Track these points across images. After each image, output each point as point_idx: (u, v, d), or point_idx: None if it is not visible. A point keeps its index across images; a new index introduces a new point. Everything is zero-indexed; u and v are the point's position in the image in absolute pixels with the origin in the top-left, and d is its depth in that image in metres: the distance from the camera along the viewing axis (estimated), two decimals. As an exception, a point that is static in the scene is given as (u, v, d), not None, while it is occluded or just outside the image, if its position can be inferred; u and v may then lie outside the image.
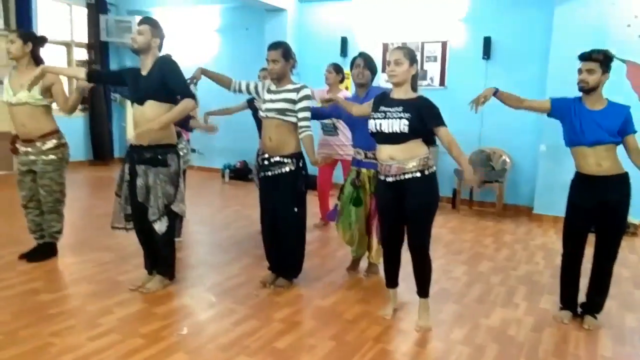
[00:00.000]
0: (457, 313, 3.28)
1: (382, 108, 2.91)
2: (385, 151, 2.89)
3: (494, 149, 6.29)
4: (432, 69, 6.72)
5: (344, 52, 7.23)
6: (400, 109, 2.83)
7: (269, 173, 3.42)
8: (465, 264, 4.28)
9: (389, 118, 2.84)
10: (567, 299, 3.25)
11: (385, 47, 6.96)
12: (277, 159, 3.38)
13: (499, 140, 6.37)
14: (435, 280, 3.72)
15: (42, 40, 3.85)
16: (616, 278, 3.92)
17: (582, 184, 3.09)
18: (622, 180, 3.02)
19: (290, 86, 3.38)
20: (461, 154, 2.85)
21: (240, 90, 3.62)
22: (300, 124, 3.34)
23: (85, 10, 8.40)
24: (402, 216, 2.94)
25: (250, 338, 2.81)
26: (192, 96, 3.22)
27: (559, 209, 3.53)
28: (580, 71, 2.99)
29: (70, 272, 3.69)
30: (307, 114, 3.35)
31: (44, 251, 3.91)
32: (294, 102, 3.34)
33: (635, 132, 3.02)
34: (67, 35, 8.34)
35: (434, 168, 2.91)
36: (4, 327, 2.79)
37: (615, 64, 3.04)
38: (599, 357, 2.79)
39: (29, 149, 3.73)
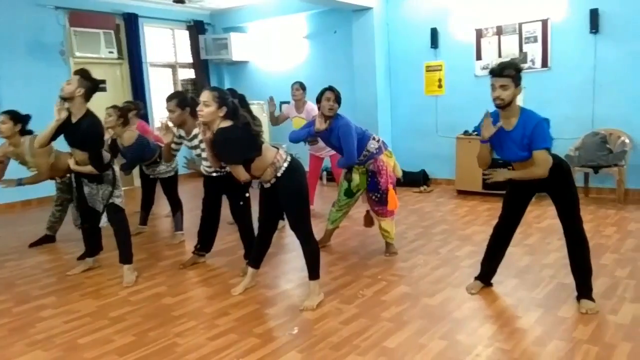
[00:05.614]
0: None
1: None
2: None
3: (611, 130, 5.74)
4: (533, 50, 6.30)
5: (434, 43, 7.03)
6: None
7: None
8: (585, 256, 3.95)
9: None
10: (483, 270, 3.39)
11: (479, 33, 6.66)
12: None
13: (616, 120, 5.78)
14: (553, 275, 3.51)
15: (28, 119, 4.40)
16: None
17: (515, 184, 3.16)
18: (555, 169, 2.96)
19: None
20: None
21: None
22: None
23: (186, 33, 9.01)
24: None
25: (360, 337, 2.82)
26: (98, 165, 3.75)
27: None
28: None
29: (188, 277, 3.97)
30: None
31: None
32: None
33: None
34: (172, 57, 9.00)
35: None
36: (137, 329, 3.07)
37: None
38: None
39: None
